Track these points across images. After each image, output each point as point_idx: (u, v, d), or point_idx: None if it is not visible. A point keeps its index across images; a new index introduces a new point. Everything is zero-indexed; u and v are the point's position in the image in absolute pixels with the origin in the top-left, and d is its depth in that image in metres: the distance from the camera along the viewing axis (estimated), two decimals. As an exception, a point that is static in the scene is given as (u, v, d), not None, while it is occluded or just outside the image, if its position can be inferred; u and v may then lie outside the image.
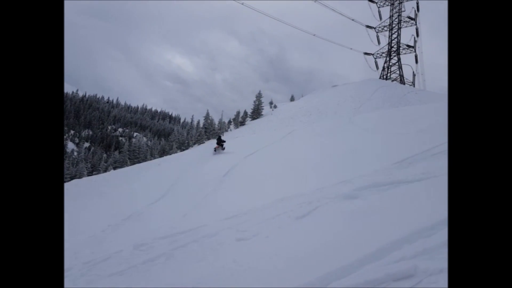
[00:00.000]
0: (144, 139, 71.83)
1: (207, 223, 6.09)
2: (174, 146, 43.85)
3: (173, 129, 59.91)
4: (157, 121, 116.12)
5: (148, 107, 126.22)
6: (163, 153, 43.00)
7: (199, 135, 43.66)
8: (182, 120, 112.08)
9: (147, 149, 47.19)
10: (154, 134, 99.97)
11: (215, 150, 16.37)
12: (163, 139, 60.20)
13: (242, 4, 44.62)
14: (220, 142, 16.52)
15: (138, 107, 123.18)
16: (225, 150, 16.22)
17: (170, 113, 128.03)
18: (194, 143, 43.20)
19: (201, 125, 46.72)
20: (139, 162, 38.14)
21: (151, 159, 33.54)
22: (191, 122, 53.34)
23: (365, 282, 2.38)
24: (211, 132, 43.08)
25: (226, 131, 43.28)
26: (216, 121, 45.27)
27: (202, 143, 40.86)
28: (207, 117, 44.84)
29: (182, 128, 57.05)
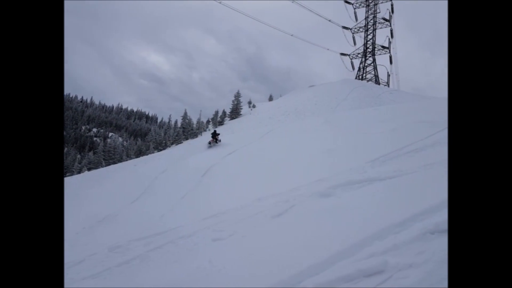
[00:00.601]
0: (120, 139, 70.41)
1: (184, 223, 6.06)
2: (151, 147, 43.13)
3: (150, 129, 58.87)
4: (133, 121, 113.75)
5: (124, 106, 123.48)
6: (139, 153, 42.23)
7: (176, 135, 43.08)
8: (159, 120, 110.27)
9: (122, 150, 46.21)
10: (130, 134, 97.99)
11: (209, 143, 17.01)
12: (139, 139, 59.11)
13: (220, 3, 44.38)
14: (215, 136, 17.21)
15: (113, 107, 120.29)
16: (221, 142, 16.95)
17: (147, 113, 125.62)
18: (172, 143, 42.63)
19: (179, 125, 46.17)
20: (114, 163, 37.30)
21: (127, 160, 32.89)
22: (169, 122, 52.52)
23: (337, 278, 2.42)
24: (189, 132, 42.65)
25: (205, 130, 42.96)
26: (194, 121, 44.85)
27: (180, 143, 40.38)
28: (185, 116, 44.33)
29: (160, 128, 56.15)
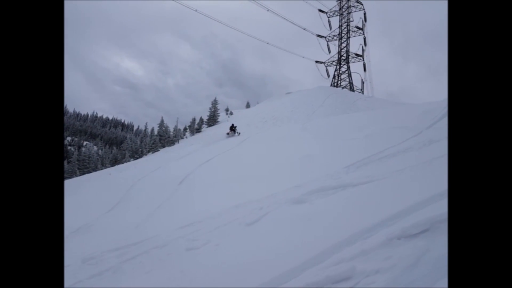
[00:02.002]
0: (95, 148, 68.60)
1: (160, 233, 5.97)
2: (127, 155, 42.30)
3: (126, 137, 57.70)
4: (109, 129, 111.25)
5: (98, 114, 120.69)
6: (115, 162, 41.31)
7: (153, 143, 42.41)
8: (135, 128, 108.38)
9: (98, 159, 45.07)
10: (106, 143, 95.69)
11: (228, 134, 20.41)
12: (115, 148, 57.78)
13: (196, 11, 44.34)
14: (233, 128, 20.85)
15: (88, 115, 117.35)
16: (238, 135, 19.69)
17: (122, 121, 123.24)
18: (148, 151, 41.93)
19: (155, 132, 45.49)
20: (89, 172, 36.30)
21: (102, 169, 32.09)
22: (145, 130, 51.64)
23: (306, 285, 2.45)
24: (166, 139, 42.06)
25: (182, 138, 42.52)
26: (171, 128, 44.32)
27: (157, 151, 39.76)
28: (161, 124, 43.73)
29: (136, 136, 55.18)
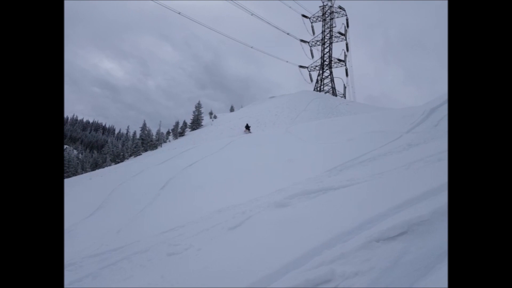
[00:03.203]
0: (75, 152, 67.14)
1: (141, 238, 5.89)
2: (108, 159, 41.57)
3: (107, 141, 56.69)
4: (89, 133, 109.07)
5: (78, 117, 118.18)
6: (95, 166, 40.49)
7: (135, 147, 41.83)
8: (117, 131, 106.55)
9: (78, 163, 44.10)
10: (86, 147, 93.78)
11: (244, 132, 23.99)
12: (95, 152, 56.70)
13: (179, 13, 44.13)
14: (248, 127, 25.19)
15: (68, 118, 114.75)
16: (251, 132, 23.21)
17: (103, 124, 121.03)
18: (130, 155, 41.32)
19: (137, 136, 44.88)
20: (69, 176, 35.47)
21: (82, 173, 31.41)
22: (127, 133, 50.91)
23: (286, 289, 2.47)
24: (149, 143, 41.55)
25: (165, 142, 42.09)
26: (154, 132, 43.82)
27: (139, 155, 39.23)
28: (144, 127, 43.19)
29: (117, 140, 54.28)
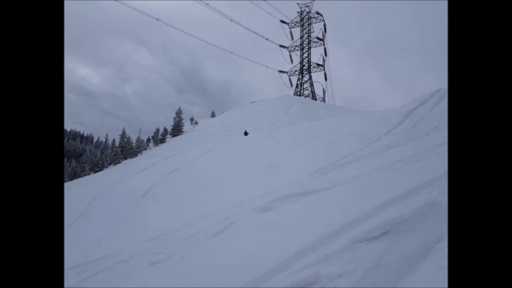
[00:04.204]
0: (52, 161, 65.03)
1: (123, 248, 5.76)
2: (87, 168, 40.58)
3: (85, 149, 55.36)
4: (67, 141, 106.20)
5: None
6: (74, 176, 39.42)
7: (114, 155, 41.01)
8: (95, 139, 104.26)
9: (54, 173, 42.75)
10: (64, 156, 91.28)
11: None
12: (73, 161, 55.26)
13: (158, 20, 43.80)
14: (246, 133, 27.64)
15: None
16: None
17: (81, 132, 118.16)
18: (110, 164, 40.47)
19: (117, 143, 44.03)
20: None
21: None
22: (106, 141, 49.91)
23: (272, 293, 2.46)
24: (128, 151, 40.82)
25: (145, 149, 41.46)
26: (133, 139, 43.10)
27: (119, 163, 38.47)
28: (123, 135, 42.43)
29: (96, 148, 53.10)
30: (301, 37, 65.39)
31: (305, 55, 64.87)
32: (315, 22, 65.73)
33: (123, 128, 42.62)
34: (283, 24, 66.13)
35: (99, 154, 43.80)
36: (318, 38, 64.99)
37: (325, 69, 65.07)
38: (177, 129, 44.91)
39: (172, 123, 45.27)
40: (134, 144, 41.97)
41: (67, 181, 33.77)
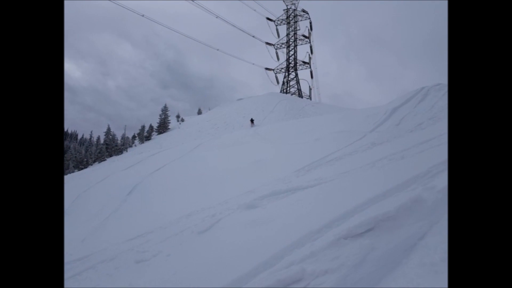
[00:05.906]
0: (34, 159, 63.61)
1: (107, 246, 5.68)
2: (71, 165, 39.82)
3: (69, 147, 54.28)
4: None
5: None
6: (57, 173, 38.50)
7: (99, 152, 40.33)
8: (79, 136, 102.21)
9: (37, 170, 41.81)
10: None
11: (251, 126, 28.13)
12: (57, 158, 54.00)
13: (143, 16, 43.14)
14: (252, 121, 30.89)
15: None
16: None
17: (66, 130, 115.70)
18: (94, 161, 39.80)
19: (101, 141, 43.31)
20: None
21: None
22: (90, 138, 49.05)
23: (257, 290, 2.46)
24: (113, 148, 40.20)
25: (130, 146, 40.91)
26: (118, 136, 42.44)
27: (104, 160, 37.86)
28: (108, 132, 41.74)
29: (80, 145, 52.16)
30: (287, 34, 65.42)
31: (292, 52, 64.97)
32: (301, 20, 65.88)
33: (108, 125, 41.96)
34: (269, 21, 66.04)
35: (83, 152, 43.02)
36: (304, 35, 65.15)
37: (311, 67, 65.41)
38: (163, 126, 44.42)
39: (158, 120, 44.75)
40: (119, 141, 41.35)
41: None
